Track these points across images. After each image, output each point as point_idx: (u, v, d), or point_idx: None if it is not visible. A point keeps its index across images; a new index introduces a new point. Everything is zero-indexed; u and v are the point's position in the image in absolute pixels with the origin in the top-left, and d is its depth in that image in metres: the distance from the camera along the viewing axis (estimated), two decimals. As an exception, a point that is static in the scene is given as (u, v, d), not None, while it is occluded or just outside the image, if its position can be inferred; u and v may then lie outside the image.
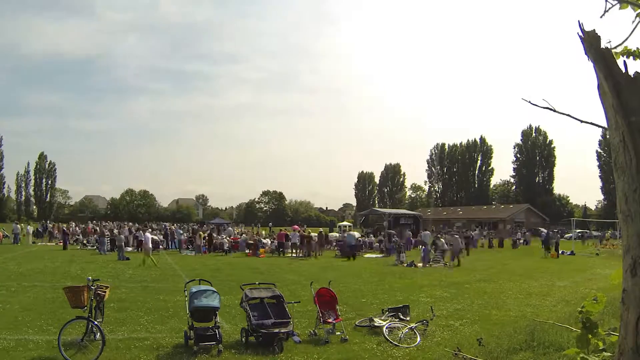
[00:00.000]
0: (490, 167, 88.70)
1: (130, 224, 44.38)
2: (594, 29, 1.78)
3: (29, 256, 19.63)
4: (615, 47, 1.87)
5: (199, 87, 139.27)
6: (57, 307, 8.88)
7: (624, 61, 1.74)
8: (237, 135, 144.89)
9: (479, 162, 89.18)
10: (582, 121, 2.38)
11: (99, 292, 6.84)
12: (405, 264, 19.79)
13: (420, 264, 19.81)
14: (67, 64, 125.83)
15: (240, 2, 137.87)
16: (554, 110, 2.41)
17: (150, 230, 26.91)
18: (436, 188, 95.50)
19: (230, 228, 36.21)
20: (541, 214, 68.18)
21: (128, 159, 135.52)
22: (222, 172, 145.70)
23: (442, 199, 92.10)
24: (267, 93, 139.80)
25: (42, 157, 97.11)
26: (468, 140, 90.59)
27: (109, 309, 8.88)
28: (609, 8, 1.90)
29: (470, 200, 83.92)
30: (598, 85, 1.81)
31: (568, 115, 2.40)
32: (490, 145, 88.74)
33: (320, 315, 7.41)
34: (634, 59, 2.02)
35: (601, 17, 1.91)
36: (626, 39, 1.88)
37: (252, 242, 26.30)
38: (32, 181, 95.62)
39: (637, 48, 1.96)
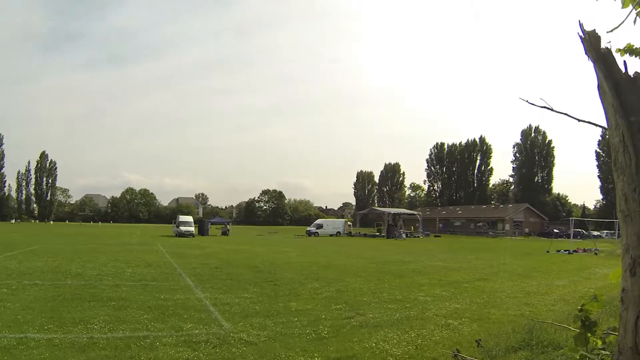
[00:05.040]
0: (489, 167, 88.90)
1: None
2: (594, 29, 1.79)
3: (30, 254, 19.65)
4: (610, 31, 1.88)
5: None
6: (58, 306, 8.90)
7: (624, 61, 1.75)
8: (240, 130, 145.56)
9: (478, 161, 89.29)
10: (579, 120, 2.38)
11: None
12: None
13: None
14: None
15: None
16: (552, 109, 2.41)
17: None
18: (435, 187, 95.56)
19: None
20: (540, 213, 68.27)
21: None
22: (222, 168, 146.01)
23: (442, 198, 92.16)
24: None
25: (43, 156, 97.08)
26: (467, 140, 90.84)
27: (109, 308, 8.90)
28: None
29: (470, 200, 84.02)
30: (598, 85, 1.82)
31: (566, 114, 2.41)
32: (490, 145, 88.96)
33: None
34: (630, 55, 2.03)
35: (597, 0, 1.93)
36: (615, 28, 1.89)
37: None
38: (33, 180, 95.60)
39: (629, 43, 1.98)
